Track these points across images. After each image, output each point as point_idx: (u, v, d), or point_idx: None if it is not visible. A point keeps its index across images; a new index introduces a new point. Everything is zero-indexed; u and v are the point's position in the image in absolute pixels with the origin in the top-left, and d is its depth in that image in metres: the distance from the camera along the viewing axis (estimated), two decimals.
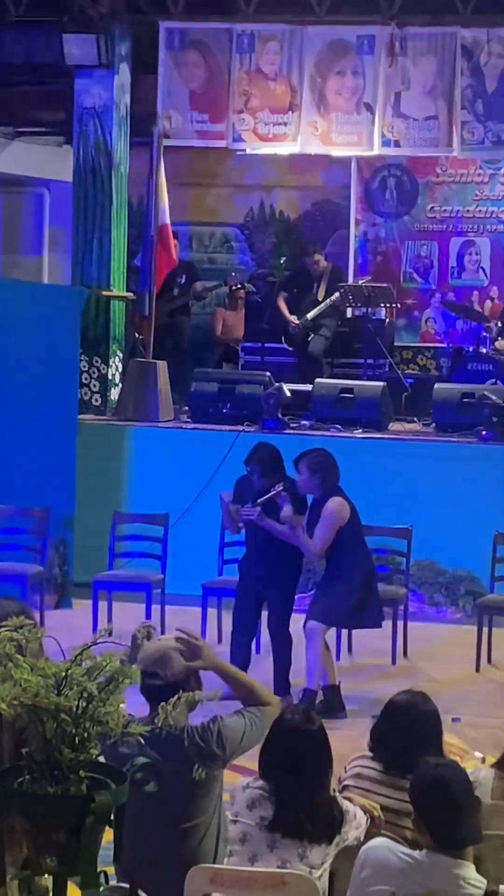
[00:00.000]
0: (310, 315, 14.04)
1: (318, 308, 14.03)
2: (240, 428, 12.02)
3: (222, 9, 13.67)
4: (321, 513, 8.68)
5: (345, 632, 9.79)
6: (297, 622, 8.94)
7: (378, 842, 4.44)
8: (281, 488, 8.79)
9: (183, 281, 14.53)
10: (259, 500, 8.84)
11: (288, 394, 12.43)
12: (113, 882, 3.26)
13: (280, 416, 12.27)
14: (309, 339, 14.11)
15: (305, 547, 8.73)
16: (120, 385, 13.37)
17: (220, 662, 5.18)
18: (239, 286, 15.24)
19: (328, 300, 13.99)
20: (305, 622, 8.71)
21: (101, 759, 3.18)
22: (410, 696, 5.25)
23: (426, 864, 4.23)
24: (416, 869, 4.22)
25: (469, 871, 4.23)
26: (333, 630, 9.40)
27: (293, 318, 14.10)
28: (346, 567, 8.75)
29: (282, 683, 8.86)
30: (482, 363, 13.45)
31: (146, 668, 4.85)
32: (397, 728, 5.12)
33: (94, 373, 13.38)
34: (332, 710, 8.49)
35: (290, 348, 14.24)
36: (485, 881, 4.23)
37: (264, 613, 9.21)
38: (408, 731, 5.09)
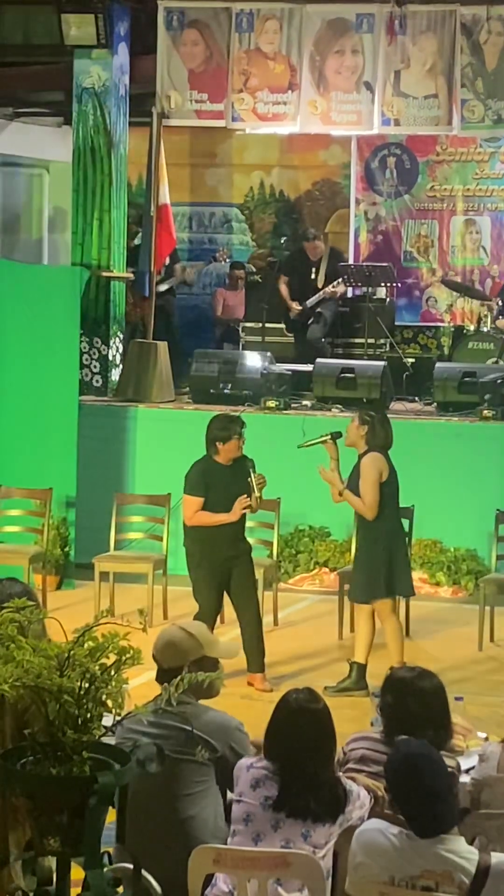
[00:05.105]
0: (309, 302, 14.06)
1: (316, 296, 14.05)
2: (241, 408, 12.00)
3: None
4: (360, 470, 8.68)
5: (347, 610, 9.74)
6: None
7: (371, 824, 4.43)
8: (329, 436, 8.89)
9: (167, 262, 14.54)
10: (306, 444, 9.14)
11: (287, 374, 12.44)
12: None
13: (281, 396, 12.25)
14: (309, 322, 14.10)
15: (357, 506, 8.68)
16: (120, 366, 13.35)
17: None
18: (227, 259, 15.24)
19: (326, 289, 14.02)
20: (368, 602, 8.65)
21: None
22: (414, 672, 5.24)
23: (417, 844, 4.22)
24: (408, 849, 4.21)
25: (459, 844, 4.23)
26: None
27: (294, 305, 14.13)
28: (386, 530, 8.70)
29: (258, 659, 8.79)
30: (483, 342, 13.43)
31: (156, 655, 4.90)
32: (403, 705, 5.10)
33: (94, 354, 13.34)
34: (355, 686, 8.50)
35: (290, 334, 14.25)
36: (477, 852, 4.23)
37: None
38: (413, 707, 5.07)
